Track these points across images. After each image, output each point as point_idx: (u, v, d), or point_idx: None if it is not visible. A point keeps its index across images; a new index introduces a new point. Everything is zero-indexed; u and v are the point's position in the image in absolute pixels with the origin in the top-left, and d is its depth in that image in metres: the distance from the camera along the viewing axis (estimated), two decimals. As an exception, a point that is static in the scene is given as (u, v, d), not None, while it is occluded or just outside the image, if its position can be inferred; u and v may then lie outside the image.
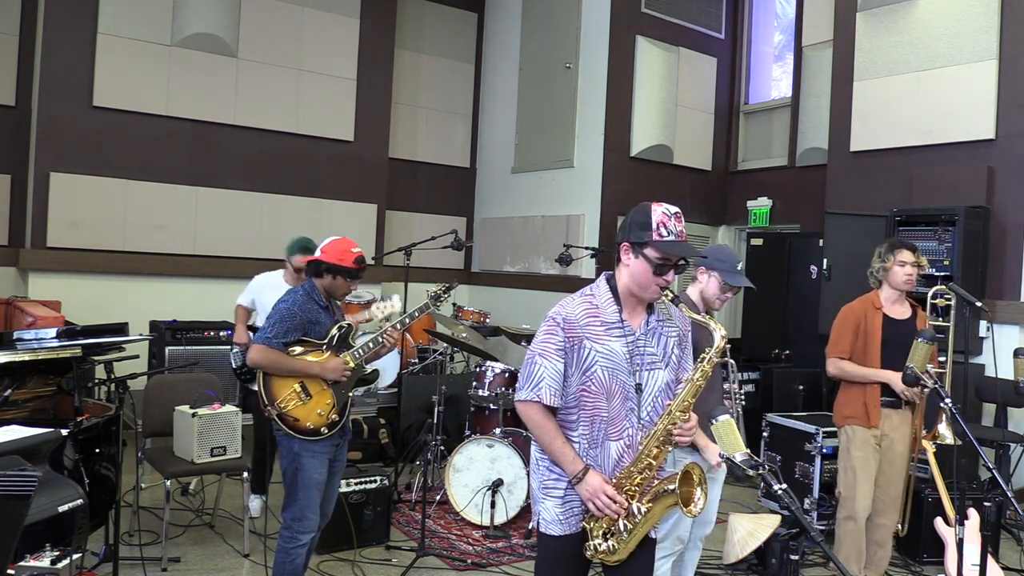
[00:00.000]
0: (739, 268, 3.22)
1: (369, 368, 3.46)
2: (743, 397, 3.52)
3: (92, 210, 6.81)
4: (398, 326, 3.51)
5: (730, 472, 3.39)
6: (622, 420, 2.30)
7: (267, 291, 4.84)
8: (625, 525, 2.24)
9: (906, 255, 3.76)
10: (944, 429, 3.66)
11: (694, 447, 3.04)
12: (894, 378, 3.70)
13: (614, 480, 2.26)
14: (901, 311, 3.83)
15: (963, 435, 2.48)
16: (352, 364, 3.31)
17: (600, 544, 2.27)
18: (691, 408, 2.27)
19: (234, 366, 4.84)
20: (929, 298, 3.82)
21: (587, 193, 7.92)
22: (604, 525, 2.27)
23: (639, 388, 2.30)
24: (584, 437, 2.31)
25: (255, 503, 4.75)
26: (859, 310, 3.87)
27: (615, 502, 2.22)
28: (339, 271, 3.32)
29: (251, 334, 4.82)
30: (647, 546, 2.35)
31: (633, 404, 2.30)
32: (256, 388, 4.67)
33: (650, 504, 2.23)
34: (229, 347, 4.89)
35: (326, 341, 3.31)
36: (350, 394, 3.35)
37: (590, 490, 2.22)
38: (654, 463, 2.26)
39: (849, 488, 3.87)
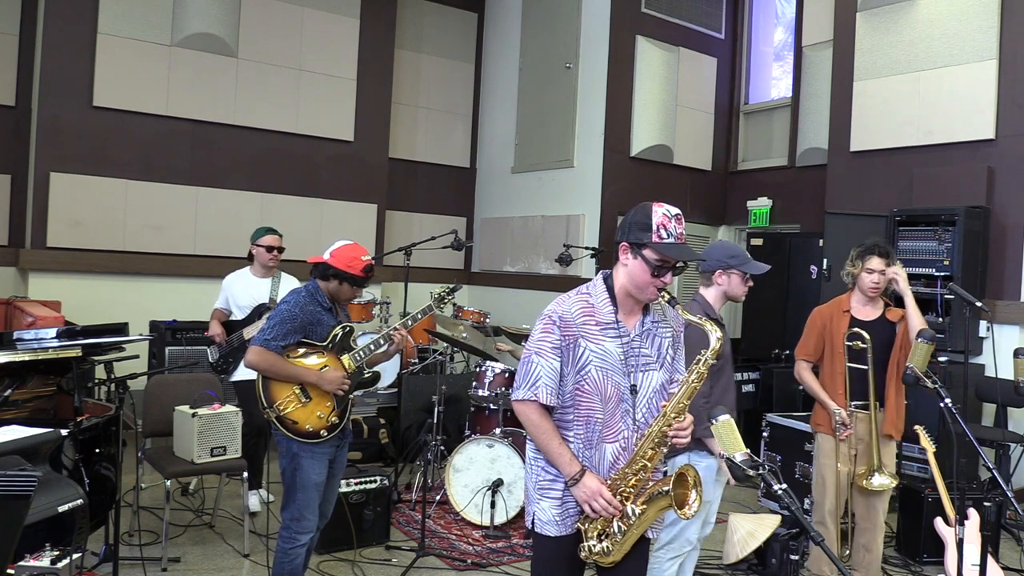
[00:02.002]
0: (748, 255, 3.26)
1: (370, 371, 3.46)
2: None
3: (92, 210, 6.82)
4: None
5: (730, 472, 3.40)
6: (617, 422, 2.29)
7: (236, 286, 4.95)
8: (620, 527, 2.24)
9: (874, 262, 3.66)
10: (879, 479, 3.60)
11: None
12: (833, 408, 3.67)
13: (609, 481, 2.26)
14: (871, 312, 3.75)
15: (963, 435, 2.48)
16: (352, 367, 3.31)
17: (595, 546, 2.26)
18: (686, 409, 2.25)
19: (211, 360, 4.92)
20: (845, 340, 3.73)
21: (587, 193, 7.91)
22: (599, 526, 2.26)
23: (634, 389, 2.29)
24: (579, 438, 2.29)
25: (253, 499, 4.75)
26: (826, 313, 3.84)
27: (611, 504, 2.21)
28: (346, 278, 3.31)
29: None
30: (641, 547, 2.35)
31: (628, 406, 2.29)
32: (234, 378, 4.80)
33: (644, 506, 2.23)
34: (206, 345, 5.01)
35: (327, 343, 3.31)
36: (350, 397, 3.35)
37: (588, 492, 2.21)
38: (649, 465, 2.25)
39: (819, 495, 3.86)
